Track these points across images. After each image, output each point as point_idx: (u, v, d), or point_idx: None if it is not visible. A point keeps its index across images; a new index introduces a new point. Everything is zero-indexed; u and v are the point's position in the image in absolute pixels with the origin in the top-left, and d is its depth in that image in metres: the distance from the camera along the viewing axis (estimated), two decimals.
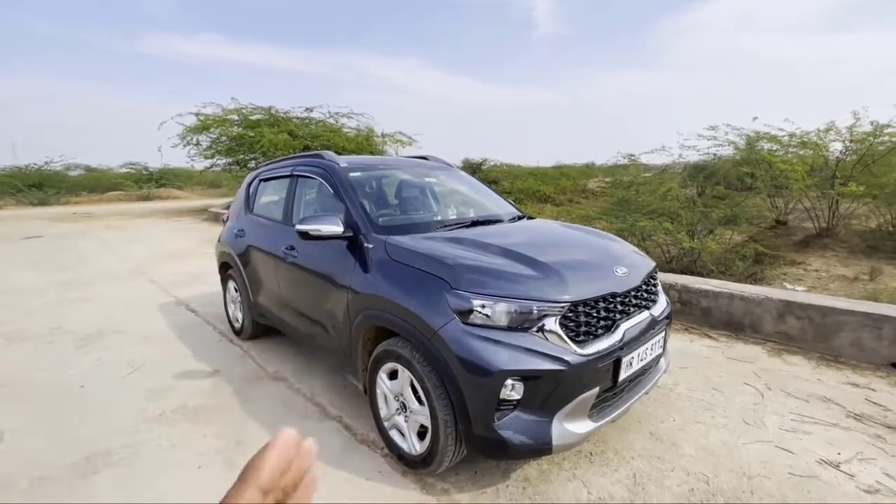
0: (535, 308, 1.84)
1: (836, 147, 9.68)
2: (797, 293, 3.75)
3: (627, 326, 2.08)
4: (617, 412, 2.04)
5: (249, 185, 3.94)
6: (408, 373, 2.07)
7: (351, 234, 2.50)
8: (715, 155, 11.41)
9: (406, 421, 2.16)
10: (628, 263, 2.31)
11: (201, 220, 13.98)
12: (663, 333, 2.33)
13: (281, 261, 3.05)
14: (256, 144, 13.63)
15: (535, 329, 1.84)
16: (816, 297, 3.61)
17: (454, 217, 3.02)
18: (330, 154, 3.08)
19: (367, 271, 2.34)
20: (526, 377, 1.77)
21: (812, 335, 3.45)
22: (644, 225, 8.34)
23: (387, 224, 2.59)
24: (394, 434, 2.25)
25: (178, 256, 7.96)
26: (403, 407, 2.17)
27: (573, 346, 1.85)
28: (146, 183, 25.54)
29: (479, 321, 1.84)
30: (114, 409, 2.83)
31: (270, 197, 3.75)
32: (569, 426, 1.86)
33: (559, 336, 1.85)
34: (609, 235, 2.86)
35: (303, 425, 2.61)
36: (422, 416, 2.04)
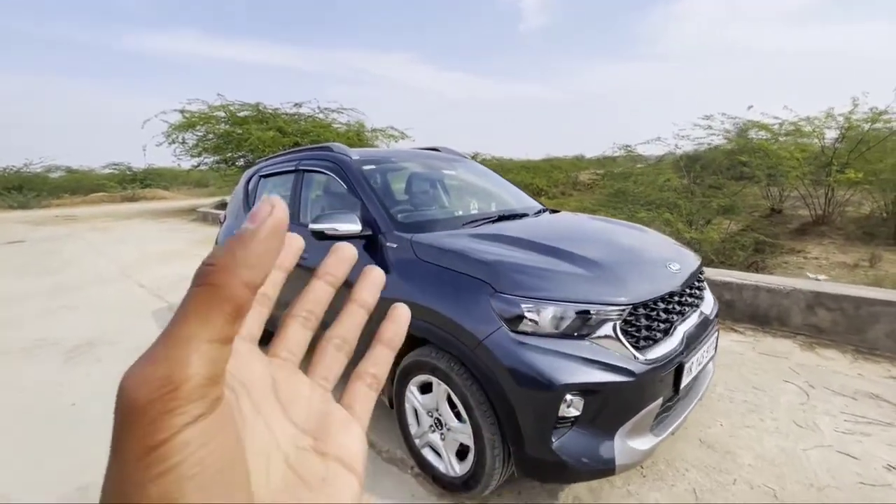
0: (593, 312, 1.63)
1: (830, 135, 9.64)
2: (827, 283, 3.60)
3: (685, 328, 1.88)
4: (676, 423, 1.84)
5: (248, 181, 3.66)
6: (444, 386, 1.84)
7: (369, 232, 2.26)
8: (709, 144, 11.33)
9: (442, 439, 1.94)
10: (678, 258, 2.10)
11: (189, 220, 13.53)
12: (716, 333, 2.14)
13: None
14: (245, 142, 13.20)
15: (593, 335, 1.63)
16: (849, 287, 3.46)
17: (476, 211, 2.79)
18: (339, 146, 2.83)
19: (389, 273, 2.10)
20: (586, 391, 1.56)
21: (845, 327, 3.30)
22: (643, 216, 8.22)
23: (408, 221, 2.35)
24: (427, 453, 2.03)
25: (168, 258, 7.61)
26: (439, 423, 1.95)
27: (636, 354, 1.64)
28: (130, 184, 24.83)
29: (529, 329, 1.62)
30: (111, 430, 2.56)
31: (273, 194, 3.47)
32: (632, 443, 1.65)
33: (621, 343, 1.63)
34: (643, 228, 2.66)
35: None
36: (462, 434, 1.82)
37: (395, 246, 2.14)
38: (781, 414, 2.46)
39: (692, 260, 2.21)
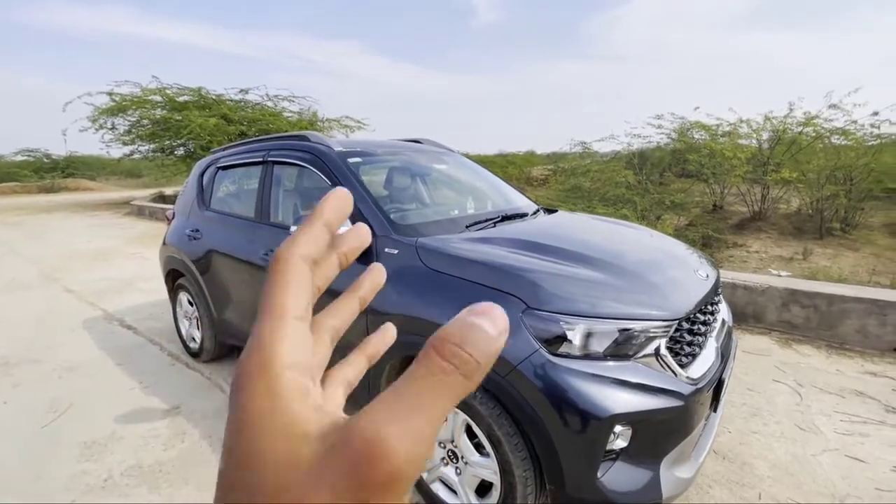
0: (639, 329, 1.43)
1: (765, 137, 10.26)
2: (801, 281, 3.69)
3: (716, 339, 1.75)
4: (710, 442, 1.70)
5: (203, 174, 3.18)
6: (463, 416, 1.59)
7: None
8: (658, 143, 11.76)
9: (458, 474, 1.69)
10: (700, 264, 1.97)
11: (122, 214, 12.27)
12: (737, 341, 2.04)
13: (259, 269, 2.41)
14: (185, 129, 12.09)
15: (639, 355, 1.44)
16: (822, 284, 3.56)
17: (473, 211, 2.53)
18: (317, 135, 2.46)
19: (390, 284, 1.81)
20: (636, 420, 1.37)
21: (817, 323, 3.38)
22: (602, 211, 8.34)
23: (406, 223, 2.05)
24: (437, 488, 1.77)
25: (101, 258, 6.75)
26: (453, 456, 1.69)
27: (682, 373, 1.47)
28: (49, 172, 22.26)
29: (569, 350, 1.40)
30: (36, 478, 2.08)
31: (234, 189, 3.03)
32: (677, 471, 1.49)
33: (667, 362, 1.45)
34: (649, 230, 2.53)
35: None
36: (485, 469, 1.58)
37: (394, 252, 1.85)
38: (782, 417, 2.42)
39: (709, 265, 2.09)
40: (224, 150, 3.15)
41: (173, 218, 3.39)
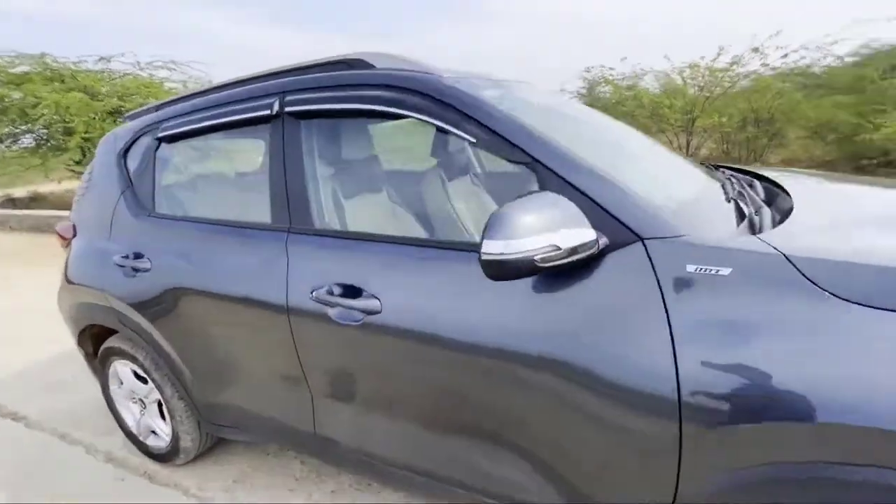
0: None
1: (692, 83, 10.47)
2: None
3: None
4: None
5: (125, 154, 1.74)
6: None
7: (605, 241, 0.89)
8: (586, 96, 11.57)
9: None
10: None
11: None
12: None
13: (299, 316, 1.21)
14: (32, 109, 9.06)
15: None
16: None
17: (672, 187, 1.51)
18: (385, 56, 1.26)
19: (732, 343, 0.80)
20: None
21: None
22: None
23: (671, 207, 1.01)
24: None
25: None
26: None
27: None
28: None
29: None
30: None
31: (206, 173, 1.69)
32: None
33: None
34: None
35: None
36: None
37: (721, 272, 0.82)
38: None
39: None
40: (166, 105, 1.73)
41: (74, 236, 1.91)
